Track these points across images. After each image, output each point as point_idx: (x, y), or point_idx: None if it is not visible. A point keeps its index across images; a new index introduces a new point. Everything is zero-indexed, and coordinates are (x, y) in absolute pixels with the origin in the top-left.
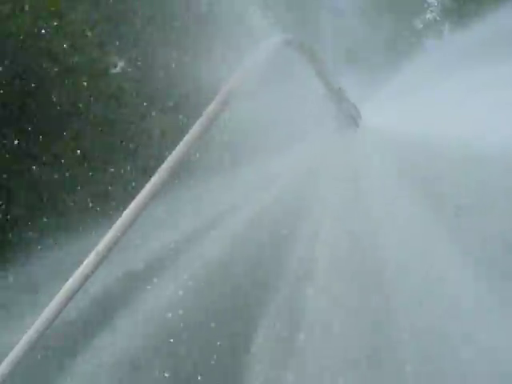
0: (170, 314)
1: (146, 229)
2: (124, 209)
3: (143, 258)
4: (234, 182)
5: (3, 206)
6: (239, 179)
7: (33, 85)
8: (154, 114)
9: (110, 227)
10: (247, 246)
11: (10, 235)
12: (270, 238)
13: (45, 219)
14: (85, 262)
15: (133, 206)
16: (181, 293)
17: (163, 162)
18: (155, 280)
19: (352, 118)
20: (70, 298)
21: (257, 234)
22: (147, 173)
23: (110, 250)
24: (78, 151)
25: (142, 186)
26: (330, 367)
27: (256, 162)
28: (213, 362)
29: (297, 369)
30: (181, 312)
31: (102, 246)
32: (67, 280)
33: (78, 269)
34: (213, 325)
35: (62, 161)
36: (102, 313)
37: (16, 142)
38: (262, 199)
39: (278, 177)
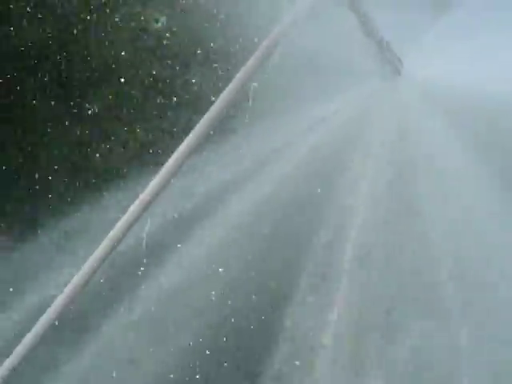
0: (222, 252)
1: (195, 172)
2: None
3: (194, 200)
4: (280, 126)
5: (47, 163)
6: (284, 124)
7: (72, 40)
8: (195, 69)
9: (155, 176)
10: (296, 185)
11: (58, 188)
12: (316, 179)
13: (90, 173)
14: (129, 210)
15: (176, 154)
16: (232, 232)
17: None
18: (208, 219)
19: (394, 68)
20: (115, 245)
21: (305, 174)
22: (190, 126)
23: (154, 197)
24: (119, 107)
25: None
26: (370, 307)
27: (301, 109)
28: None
29: (339, 307)
30: (233, 249)
31: (145, 194)
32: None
33: (123, 217)
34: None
35: (103, 117)
36: (151, 255)
37: (53, 102)
38: (307, 144)
39: (323, 122)
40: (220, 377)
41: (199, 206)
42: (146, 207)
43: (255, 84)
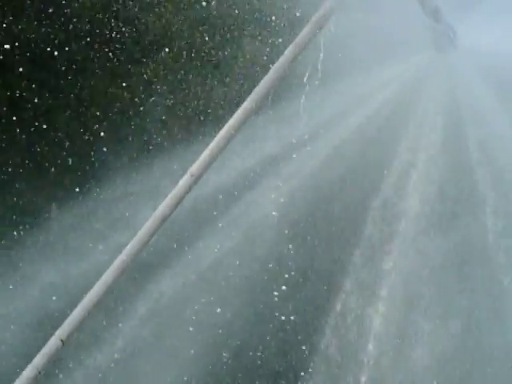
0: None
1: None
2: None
3: (264, 159)
4: (340, 94)
5: (95, 127)
6: (343, 92)
7: (117, 14)
8: (244, 40)
9: (204, 148)
10: (355, 148)
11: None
12: (374, 143)
13: (140, 142)
14: (179, 184)
15: (226, 128)
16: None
17: (256, 86)
18: (265, 180)
19: (449, 39)
20: (164, 220)
21: (363, 138)
22: (239, 97)
23: (204, 170)
24: (169, 77)
25: (234, 111)
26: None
27: (359, 77)
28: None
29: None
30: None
31: (195, 167)
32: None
33: (172, 191)
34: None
35: (153, 86)
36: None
37: (99, 70)
38: (365, 110)
39: (380, 90)
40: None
41: (267, 164)
42: (196, 182)
43: (321, 54)
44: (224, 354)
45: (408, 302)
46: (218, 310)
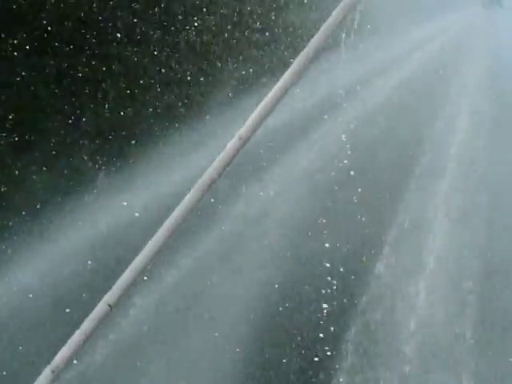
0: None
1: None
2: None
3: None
4: (383, 49)
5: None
6: (386, 47)
7: None
8: (291, 7)
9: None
10: (399, 101)
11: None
12: (418, 96)
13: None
14: (226, 147)
15: (273, 91)
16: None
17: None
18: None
19: None
20: (212, 183)
21: (408, 90)
22: (286, 62)
23: (252, 133)
24: (215, 42)
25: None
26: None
27: (402, 33)
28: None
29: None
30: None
31: (243, 130)
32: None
33: (220, 154)
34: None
35: (198, 49)
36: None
37: (138, 35)
38: (409, 65)
39: (424, 46)
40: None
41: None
42: (243, 145)
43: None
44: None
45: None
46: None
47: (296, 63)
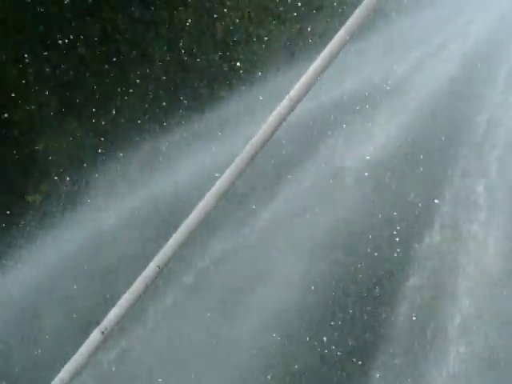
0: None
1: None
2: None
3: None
4: (433, 27)
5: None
6: (436, 26)
7: None
8: None
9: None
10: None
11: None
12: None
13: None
14: (277, 109)
15: (323, 54)
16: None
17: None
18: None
19: None
20: (264, 144)
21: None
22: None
23: (303, 95)
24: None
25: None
26: None
27: (447, 18)
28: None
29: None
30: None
31: (294, 92)
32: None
33: (271, 115)
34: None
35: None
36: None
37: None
38: (456, 47)
39: (469, 27)
40: None
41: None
42: (294, 107)
43: None
44: None
45: None
46: None
47: (344, 30)
